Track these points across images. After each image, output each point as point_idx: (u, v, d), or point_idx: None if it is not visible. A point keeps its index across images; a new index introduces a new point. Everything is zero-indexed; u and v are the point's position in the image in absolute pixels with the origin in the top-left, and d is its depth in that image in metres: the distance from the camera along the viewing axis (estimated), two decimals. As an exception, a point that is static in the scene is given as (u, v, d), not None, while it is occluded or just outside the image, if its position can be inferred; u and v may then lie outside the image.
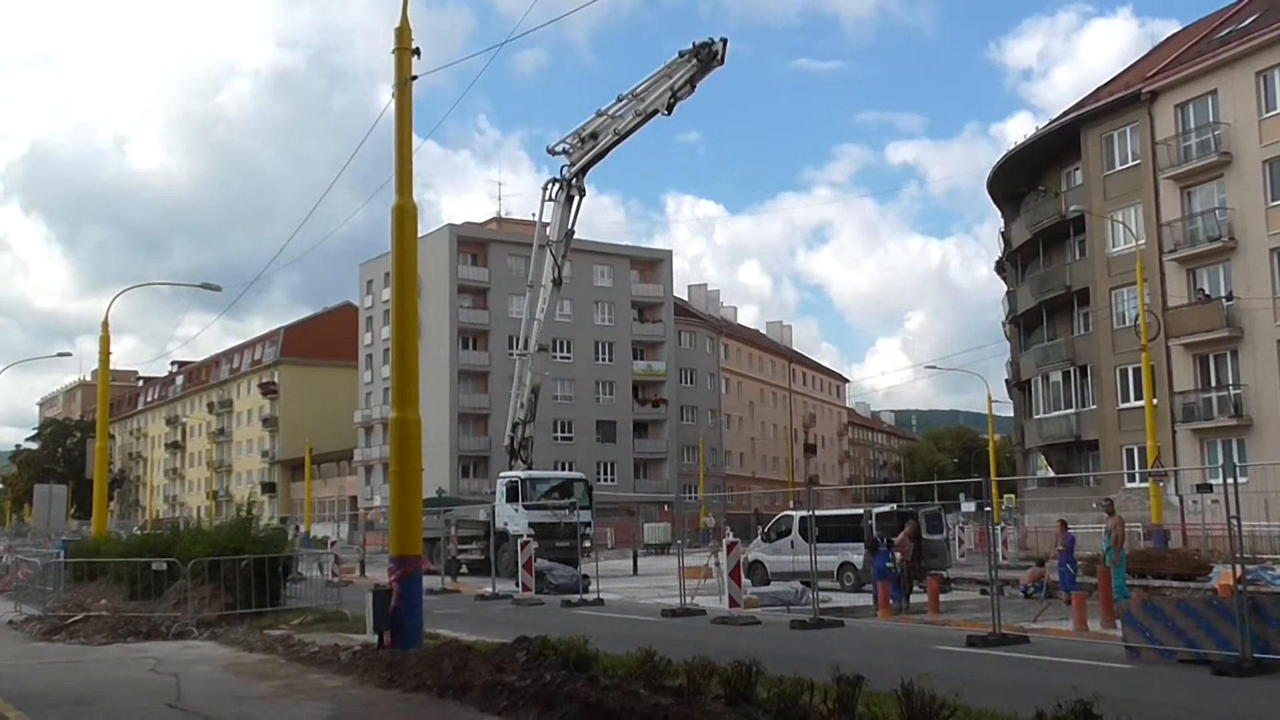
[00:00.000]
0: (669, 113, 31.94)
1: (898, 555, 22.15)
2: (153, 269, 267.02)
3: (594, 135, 34.11)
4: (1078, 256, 44.99)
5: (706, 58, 31.13)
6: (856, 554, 26.19)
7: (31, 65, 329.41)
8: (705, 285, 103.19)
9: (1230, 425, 36.54)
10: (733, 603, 19.41)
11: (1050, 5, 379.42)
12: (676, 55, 31.61)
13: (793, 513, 30.91)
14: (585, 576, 26.03)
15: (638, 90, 32.79)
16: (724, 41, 31.25)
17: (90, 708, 10.80)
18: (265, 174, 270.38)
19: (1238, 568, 13.01)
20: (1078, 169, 44.81)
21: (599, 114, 33.85)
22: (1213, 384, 37.86)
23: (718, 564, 22.04)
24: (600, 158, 34.56)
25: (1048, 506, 38.93)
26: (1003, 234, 53.74)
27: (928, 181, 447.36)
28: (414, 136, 14.68)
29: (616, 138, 33.59)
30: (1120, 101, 41.66)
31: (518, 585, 25.39)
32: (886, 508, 28.16)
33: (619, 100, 33.31)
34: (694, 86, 31.68)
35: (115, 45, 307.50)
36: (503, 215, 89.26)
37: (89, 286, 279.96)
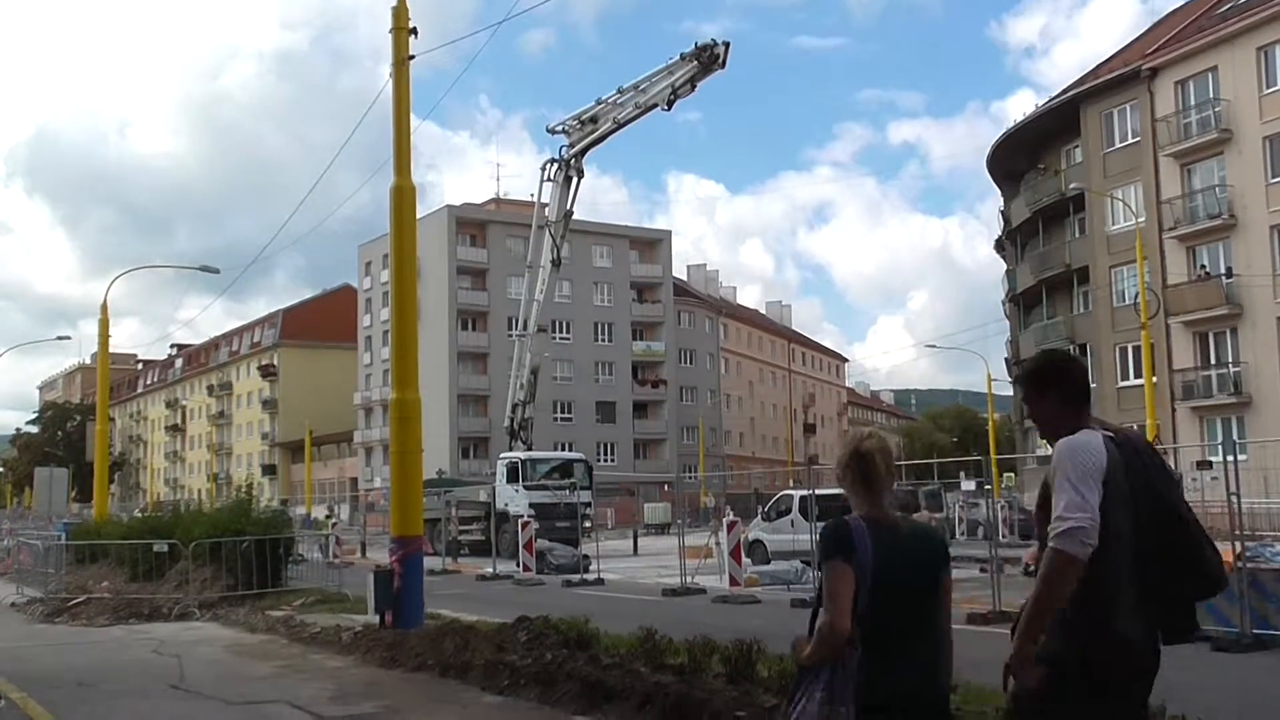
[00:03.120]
0: (668, 108, 32.19)
1: None
2: (156, 251, 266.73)
3: (594, 119, 34.18)
4: (1077, 234, 44.93)
5: (708, 60, 31.27)
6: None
7: (37, 48, 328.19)
8: (704, 265, 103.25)
9: (1230, 403, 36.58)
10: (733, 582, 19.45)
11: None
12: (678, 57, 31.70)
13: (793, 492, 30.89)
14: (586, 557, 26.07)
15: (639, 84, 32.90)
16: (726, 45, 31.35)
17: (93, 689, 10.83)
18: (269, 156, 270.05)
19: (1237, 545, 13.03)
20: (1077, 147, 44.72)
21: (599, 102, 33.91)
22: (1212, 362, 37.88)
23: (718, 543, 22.07)
24: (599, 142, 34.62)
25: (1047, 485, 38.96)
26: (1002, 212, 53.69)
27: (929, 160, 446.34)
28: (413, 117, 14.64)
29: (615, 125, 33.70)
30: (1120, 78, 41.53)
31: (518, 565, 25.41)
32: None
33: (619, 92, 33.40)
34: (694, 86, 31.86)
35: (119, 27, 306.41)
36: (502, 196, 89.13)
37: (92, 269, 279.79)
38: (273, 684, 10.76)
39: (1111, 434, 3.59)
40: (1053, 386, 3.75)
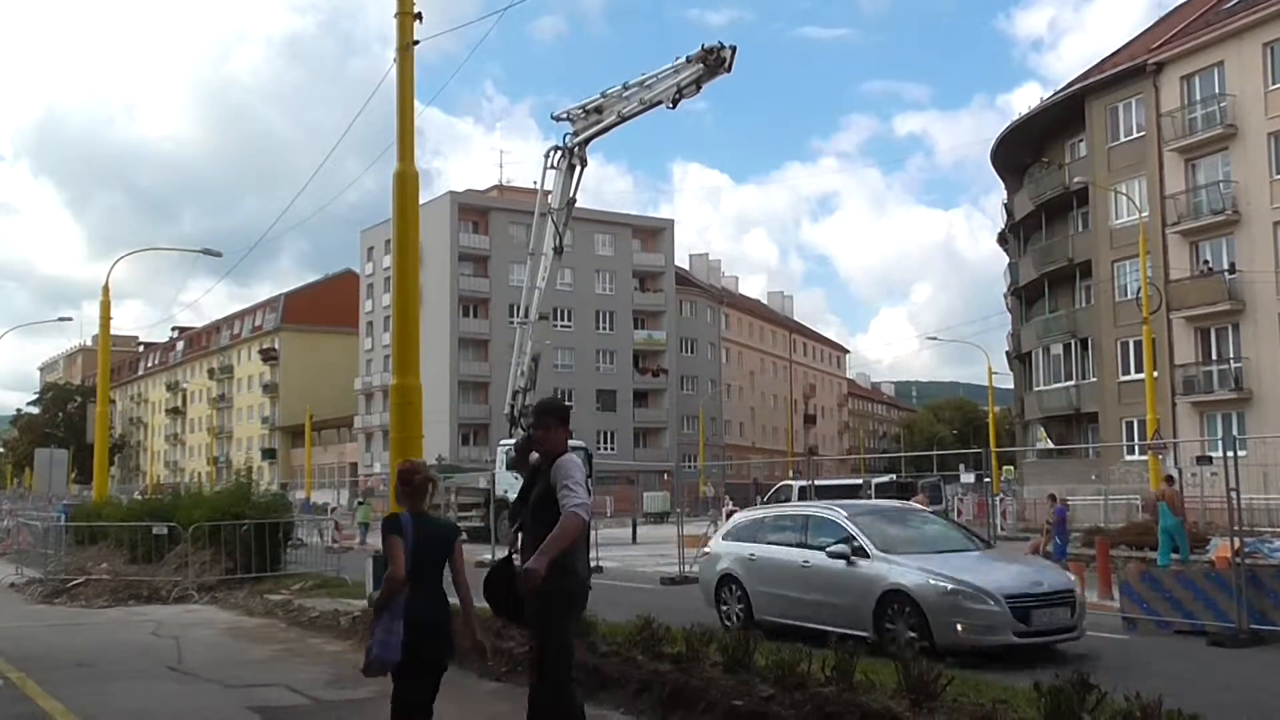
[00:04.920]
0: (673, 107, 32.19)
1: None
2: (162, 234, 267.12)
3: (599, 110, 34.15)
4: (1080, 229, 44.83)
5: (714, 63, 31.31)
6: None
7: (46, 30, 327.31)
8: (706, 255, 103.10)
9: (1230, 399, 36.56)
10: (731, 571, 19.44)
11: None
12: (684, 59, 31.76)
13: (792, 482, 31.02)
14: (584, 544, 26.07)
15: (645, 81, 32.92)
16: (733, 49, 31.38)
17: (92, 670, 10.86)
18: (276, 141, 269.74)
19: (1236, 540, 13.04)
20: (1082, 140, 44.60)
21: (604, 95, 33.94)
22: (1213, 357, 37.85)
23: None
24: (603, 133, 34.59)
25: (1047, 478, 39.00)
26: (1006, 205, 53.56)
27: (935, 152, 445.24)
28: (417, 103, 14.59)
29: (619, 119, 33.70)
30: (1126, 73, 41.40)
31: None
32: (885, 478, 28.26)
33: (625, 87, 33.43)
34: (700, 88, 31.91)
35: (128, 10, 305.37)
36: (505, 183, 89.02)
37: (97, 251, 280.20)
38: (270, 667, 10.79)
39: (581, 446, 6.25)
40: (564, 422, 6.18)
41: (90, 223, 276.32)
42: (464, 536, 6.28)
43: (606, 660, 8.86)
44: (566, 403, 6.51)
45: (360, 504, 38.20)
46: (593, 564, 24.18)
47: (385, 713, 8.74)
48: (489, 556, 26.57)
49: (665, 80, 32.29)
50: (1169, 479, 22.00)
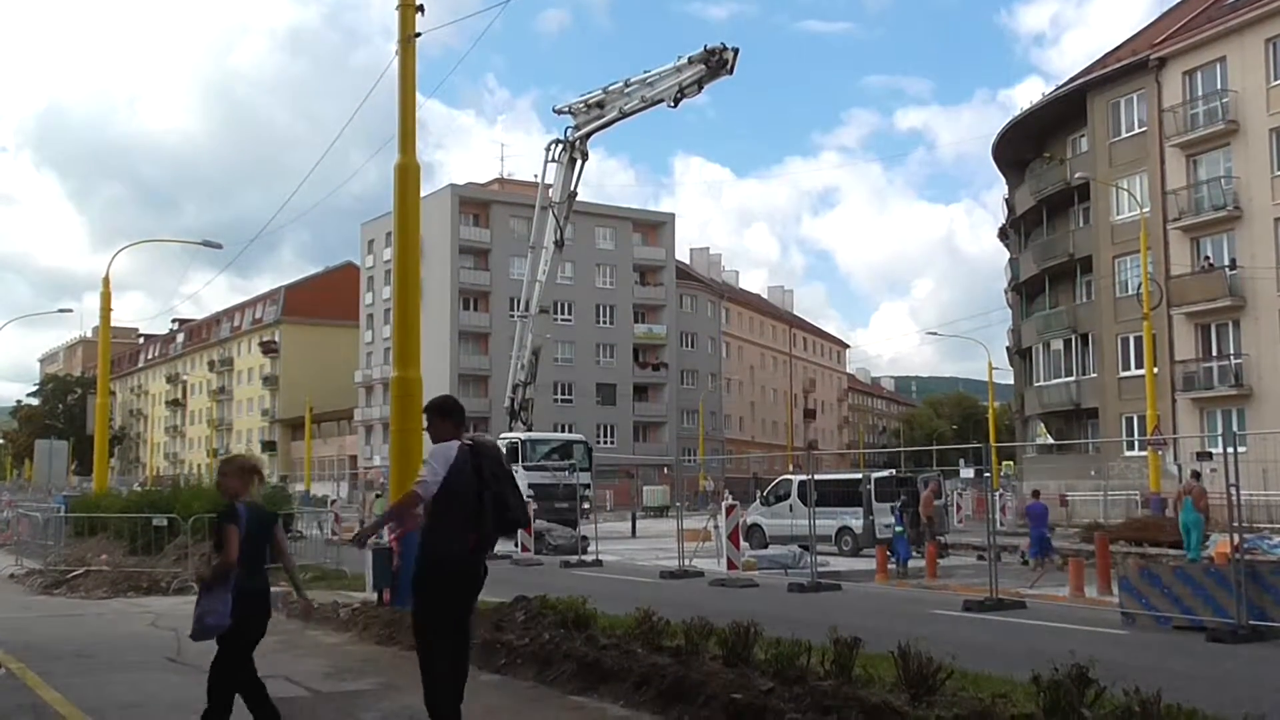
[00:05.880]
0: (674, 106, 32.31)
1: (922, 514, 22.81)
2: (164, 226, 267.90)
3: (600, 105, 34.21)
4: (1081, 224, 44.80)
5: (716, 65, 31.44)
6: (855, 518, 26.36)
7: (49, 21, 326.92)
8: (708, 249, 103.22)
9: (1230, 395, 36.55)
10: (731, 565, 19.49)
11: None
12: (685, 59, 31.81)
13: (791, 477, 31.00)
14: (584, 538, 26.14)
15: (647, 79, 33.01)
16: (735, 51, 31.42)
17: (91, 660, 10.86)
18: (279, 133, 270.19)
19: (1235, 536, 13.05)
20: (1084, 136, 44.54)
21: (606, 91, 33.98)
22: (1214, 353, 37.84)
23: (716, 527, 22.13)
24: (605, 128, 34.66)
25: (1046, 474, 39.05)
26: (1007, 200, 53.55)
27: (936, 147, 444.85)
28: (419, 95, 14.58)
29: (621, 115, 33.83)
30: (1128, 68, 41.34)
31: (517, 546, 25.44)
32: (885, 473, 28.26)
33: (627, 84, 33.46)
34: (701, 88, 32.11)
35: (132, 1, 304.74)
36: (506, 176, 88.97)
37: (99, 243, 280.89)
38: (269, 659, 10.72)
39: (470, 442, 6.46)
40: (450, 417, 6.61)
41: (92, 214, 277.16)
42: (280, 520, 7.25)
43: (606, 653, 8.85)
44: (449, 397, 6.95)
45: (378, 497, 38.25)
46: (592, 558, 24.31)
47: (385, 704, 8.78)
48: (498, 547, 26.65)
49: (667, 79, 32.36)
50: (1195, 474, 22.15)
